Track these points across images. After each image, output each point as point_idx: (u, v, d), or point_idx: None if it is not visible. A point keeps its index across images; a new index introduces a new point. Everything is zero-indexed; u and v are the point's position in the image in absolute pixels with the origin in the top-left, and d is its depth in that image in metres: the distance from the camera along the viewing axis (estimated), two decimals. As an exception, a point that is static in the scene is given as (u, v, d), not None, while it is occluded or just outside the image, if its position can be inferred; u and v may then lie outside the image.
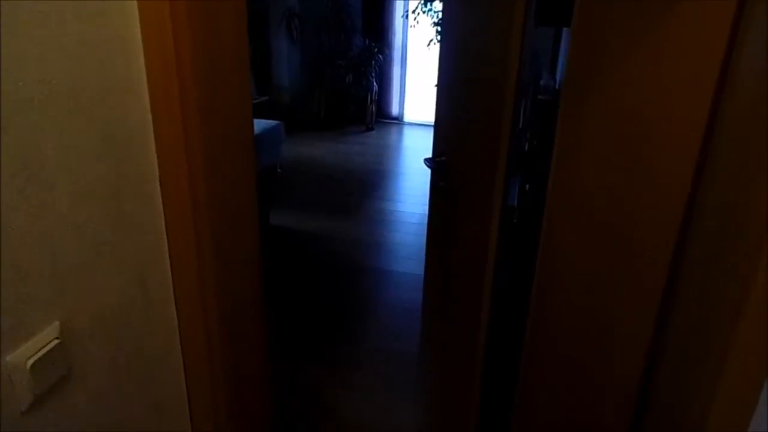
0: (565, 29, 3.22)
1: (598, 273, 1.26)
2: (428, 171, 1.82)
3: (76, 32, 0.73)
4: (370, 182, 5.14)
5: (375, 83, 6.94)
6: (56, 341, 0.74)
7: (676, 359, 1.13)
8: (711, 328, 0.95)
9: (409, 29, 6.95)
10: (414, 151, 6.36)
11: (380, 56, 6.86)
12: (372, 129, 7.02)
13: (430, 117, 6.73)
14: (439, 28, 6.08)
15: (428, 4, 6.18)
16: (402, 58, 7.19)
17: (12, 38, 0.64)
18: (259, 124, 3.92)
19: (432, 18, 6.26)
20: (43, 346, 0.72)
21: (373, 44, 6.79)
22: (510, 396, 1.52)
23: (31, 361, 0.70)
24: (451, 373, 1.91)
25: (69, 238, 0.76)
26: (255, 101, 5.72)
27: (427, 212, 2.10)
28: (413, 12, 6.42)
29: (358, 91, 6.94)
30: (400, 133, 7.11)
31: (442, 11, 2.06)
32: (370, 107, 6.97)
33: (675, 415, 1.08)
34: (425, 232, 2.18)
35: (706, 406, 0.91)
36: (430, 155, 1.85)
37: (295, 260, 3.52)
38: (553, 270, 1.31)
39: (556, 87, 3.13)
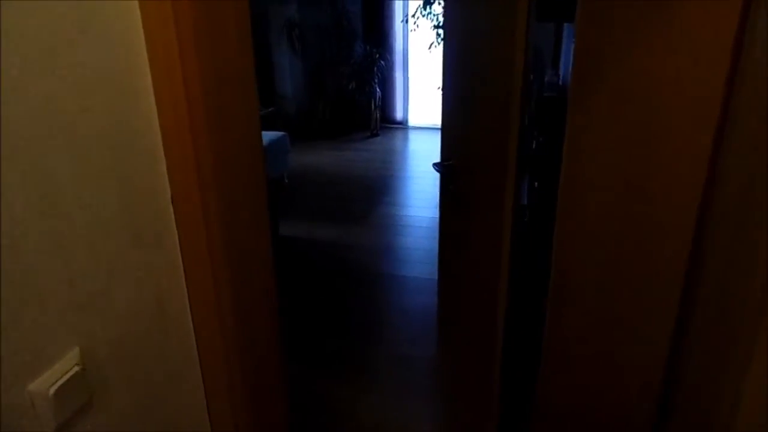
0: (566, 24, 3.21)
1: (615, 266, 1.24)
2: (436, 174, 1.81)
3: (87, 63, 0.73)
4: (379, 188, 5.14)
5: (378, 89, 6.94)
6: (77, 368, 0.73)
7: (700, 357, 1.11)
8: (733, 326, 0.93)
9: (410, 33, 6.95)
10: (420, 154, 6.36)
11: (382, 62, 6.87)
12: (377, 134, 7.02)
13: (434, 120, 6.73)
14: (439, 31, 6.08)
15: (428, 7, 6.18)
16: (404, 63, 7.19)
17: (25, 75, 0.64)
18: (265, 136, 3.93)
19: (432, 21, 6.26)
20: (65, 373, 0.72)
21: (375, 50, 6.80)
22: (529, 397, 1.50)
23: (53, 389, 0.69)
24: (469, 376, 1.90)
25: (86, 264, 0.76)
26: (260, 113, 5.74)
27: (437, 215, 2.10)
28: (413, 16, 6.43)
29: (362, 98, 6.95)
30: (406, 137, 7.11)
31: (444, 13, 2.05)
32: (374, 113, 6.98)
33: (701, 416, 1.06)
34: (436, 235, 2.17)
35: (734, 406, 0.89)
36: (436, 158, 1.84)
37: (307, 269, 3.52)
38: (569, 266, 1.29)
39: (560, 83, 3.12)
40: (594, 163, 1.18)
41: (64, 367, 0.72)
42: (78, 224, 0.74)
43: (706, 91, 1.04)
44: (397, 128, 7.39)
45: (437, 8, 6.09)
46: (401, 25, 6.94)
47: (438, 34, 6.12)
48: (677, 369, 1.23)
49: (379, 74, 6.91)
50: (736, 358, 0.90)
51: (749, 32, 0.96)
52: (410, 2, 6.81)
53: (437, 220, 2.14)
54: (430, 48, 6.41)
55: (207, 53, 0.90)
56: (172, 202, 0.95)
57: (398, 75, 7.20)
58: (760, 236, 0.85)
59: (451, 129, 1.87)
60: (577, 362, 1.38)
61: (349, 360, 2.56)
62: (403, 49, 7.13)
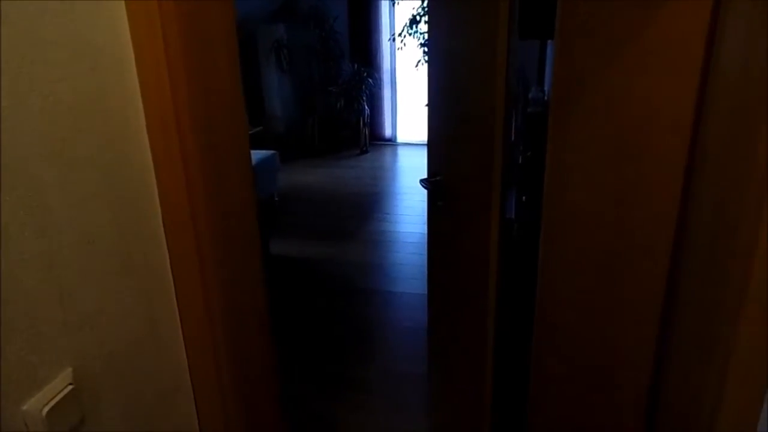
0: (550, 42, 3.28)
1: (599, 274, 1.27)
2: (425, 190, 1.84)
3: (76, 87, 0.75)
4: (368, 204, 5.16)
5: (366, 107, 7.00)
6: (70, 387, 0.74)
7: (683, 363, 1.14)
8: (712, 332, 0.95)
9: (397, 52, 7.05)
10: (409, 170, 6.40)
11: (370, 80, 6.94)
12: (366, 152, 7.07)
13: (422, 136, 6.78)
14: (425, 49, 6.16)
15: (414, 25, 6.28)
16: (391, 81, 7.28)
17: (16, 98, 0.66)
18: (255, 155, 3.95)
19: (418, 39, 6.35)
20: (58, 393, 0.72)
21: (362, 69, 6.88)
22: (522, 411, 1.51)
23: (46, 409, 0.70)
24: (460, 391, 1.90)
25: (78, 285, 0.78)
26: (249, 132, 5.75)
27: (426, 231, 2.11)
28: (399, 35, 6.52)
29: (351, 116, 7.01)
30: (395, 154, 7.16)
31: (428, 32, 2.10)
32: (363, 130, 7.03)
33: (686, 417, 1.08)
34: (426, 251, 2.18)
35: (715, 408, 0.91)
36: (425, 174, 1.87)
37: (298, 287, 3.52)
38: (555, 277, 1.32)
39: (545, 99, 3.17)
40: (575, 175, 1.22)
41: (57, 387, 0.73)
42: (70, 246, 0.76)
43: (680, 103, 1.08)
44: (386, 145, 7.44)
45: (423, 27, 6.18)
46: (388, 43, 7.03)
47: (424, 52, 6.20)
48: (662, 380, 1.25)
49: (367, 92, 6.97)
50: (715, 365, 0.92)
51: (717, 47, 1.00)
52: (397, 21, 6.91)
53: (426, 235, 2.16)
54: (416, 66, 6.50)
55: (196, 76, 0.93)
56: (164, 225, 0.97)
57: (386, 93, 7.27)
58: (732, 245, 0.89)
59: (437, 145, 1.90)
60: (565, 378, 1.40)
61: (342, 377, 2.55)
62: (391, 67, 7.22)
